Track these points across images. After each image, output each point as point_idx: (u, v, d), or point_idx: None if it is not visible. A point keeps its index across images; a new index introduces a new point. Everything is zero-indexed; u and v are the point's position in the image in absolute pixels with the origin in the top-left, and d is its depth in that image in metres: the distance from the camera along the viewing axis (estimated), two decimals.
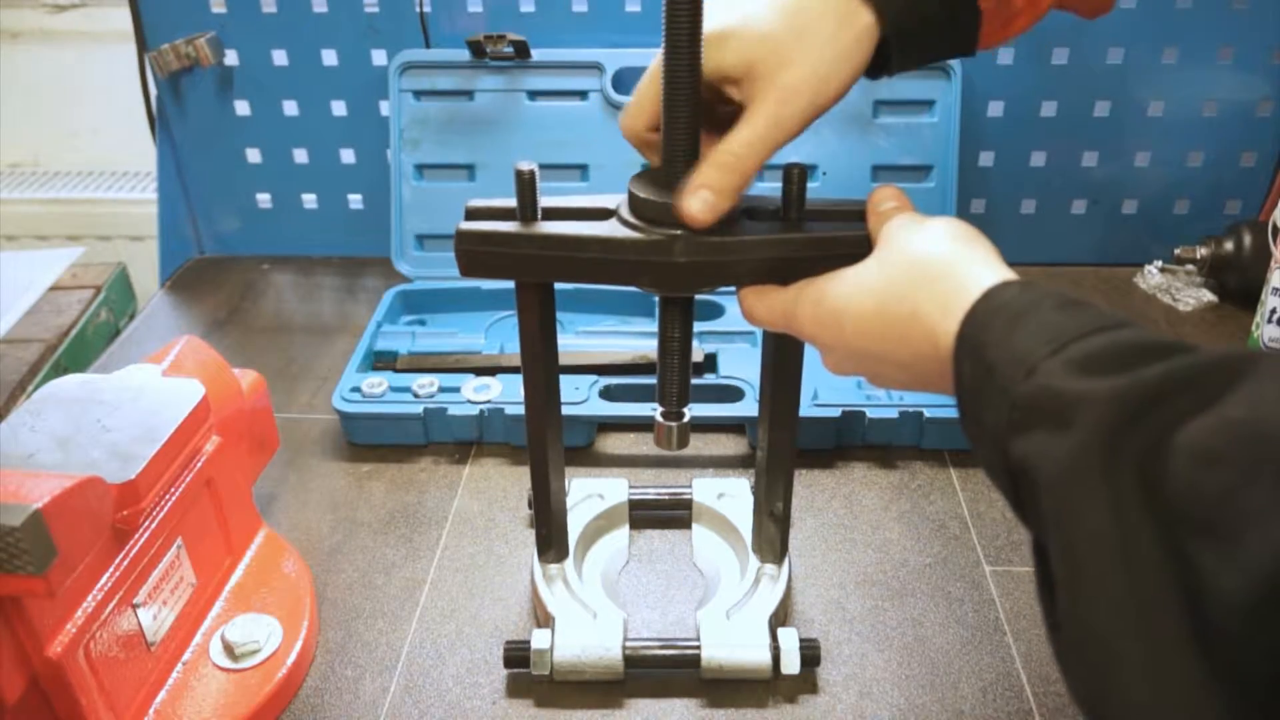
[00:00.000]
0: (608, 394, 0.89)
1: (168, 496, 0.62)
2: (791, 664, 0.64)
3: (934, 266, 0.45)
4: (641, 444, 0.88)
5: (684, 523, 0.79)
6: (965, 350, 0.42)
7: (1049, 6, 0.53)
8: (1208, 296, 1.07)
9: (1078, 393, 0.35)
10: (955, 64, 1.03)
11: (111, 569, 0.57)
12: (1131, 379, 0.34)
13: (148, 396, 0.64)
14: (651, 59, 1.10)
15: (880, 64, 0.53)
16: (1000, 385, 0.39)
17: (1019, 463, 0.38)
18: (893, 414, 0.85)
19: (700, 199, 0.50)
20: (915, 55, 0.53)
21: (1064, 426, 0.35)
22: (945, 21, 0.52)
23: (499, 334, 1.00)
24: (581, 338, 0.99)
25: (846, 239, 0.52)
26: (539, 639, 0.65)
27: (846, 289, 0.49)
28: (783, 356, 0.61)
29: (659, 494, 0.78)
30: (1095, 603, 0.33)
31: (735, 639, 0.65)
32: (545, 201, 0.54)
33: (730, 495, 0.78)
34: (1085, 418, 0.34)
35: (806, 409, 0.81)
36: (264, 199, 1.19)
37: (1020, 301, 0.41)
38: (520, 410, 0.84)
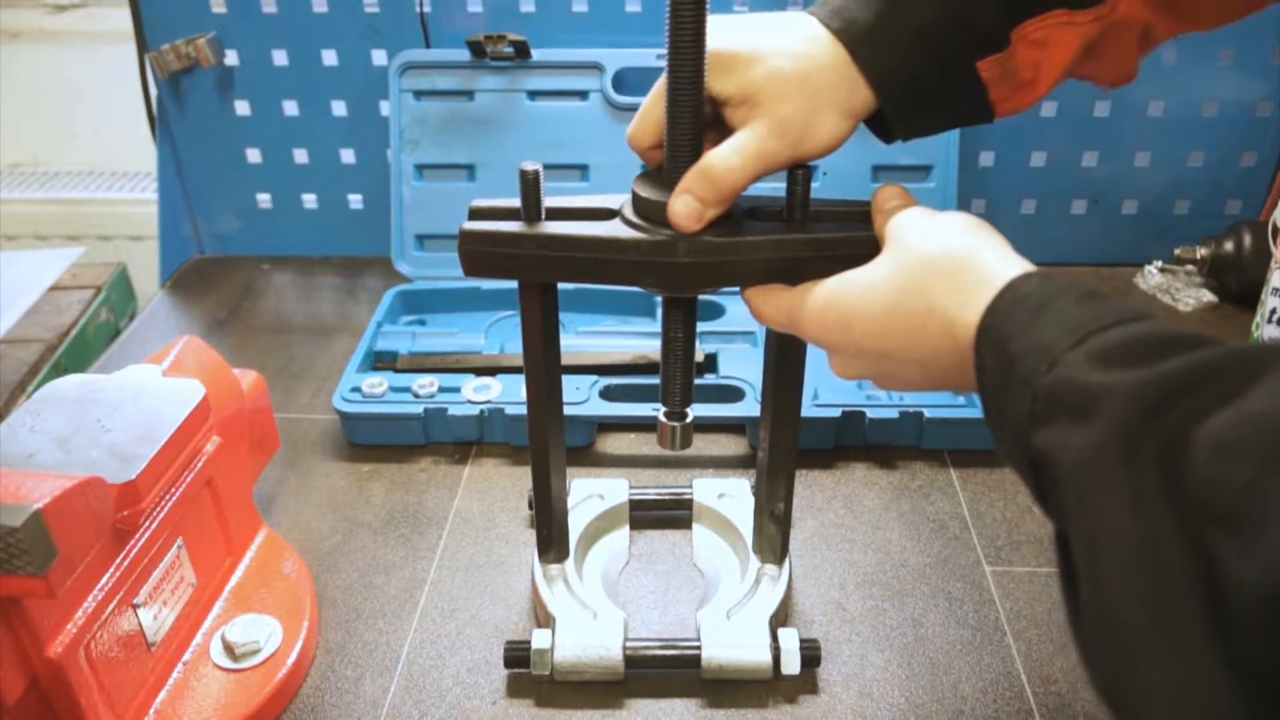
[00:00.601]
0: (608, 394, 0.89)
1: (168, 497, 0.62)
2: (792, 664, 0.64)
3: (949, 260, 0.45)
4: (642, 444, 0.88)
5: (684, 523, 0.79)
6: (987, 342, 0.42)
7: (1059, 74, 0.52)
8: (1208, 297, 1.07)
9: (1099, 385, 0.35)
10: None
11: (112, 569, 0.57)
12: (1152, 372, 0.34)
13: (148, 396, 0.64)
14: (652, 59, 1.10)
15: (887, 129, 0.54)
16: (1022, 377, 0.39)
17: (1041, 454, 0.38)
18: (893, 414, 0.85)
19: (684, 202, 0.51)
20: (921, 123, 0.54)
21: (1085, 419, 0.35)
22: (946, 93, 0.52)
23: (499, 334, 1.00)
24: (582, 338, 0.99)
25: (851, 240, 0.52)
26: (539, 639, 0.65)
27: (855, 290, 0.49)
28: (784, 357, 0.61)
29: (659, 494, 0.78)
30: (1116, 594, 0.33)
31: (736, 639, 0.65)
32: (548, 201, 0.54)
33: (730, 495, 0.78)
34: (1106, 410, 0.34)
35: (807, 409, 0.81)
36: (264, 199, 1.19)
37: (1041, 293, 0.41)
38: (520, 410, 0.84)
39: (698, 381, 0.88)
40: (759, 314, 0.54)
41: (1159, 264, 1.11)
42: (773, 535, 0.69)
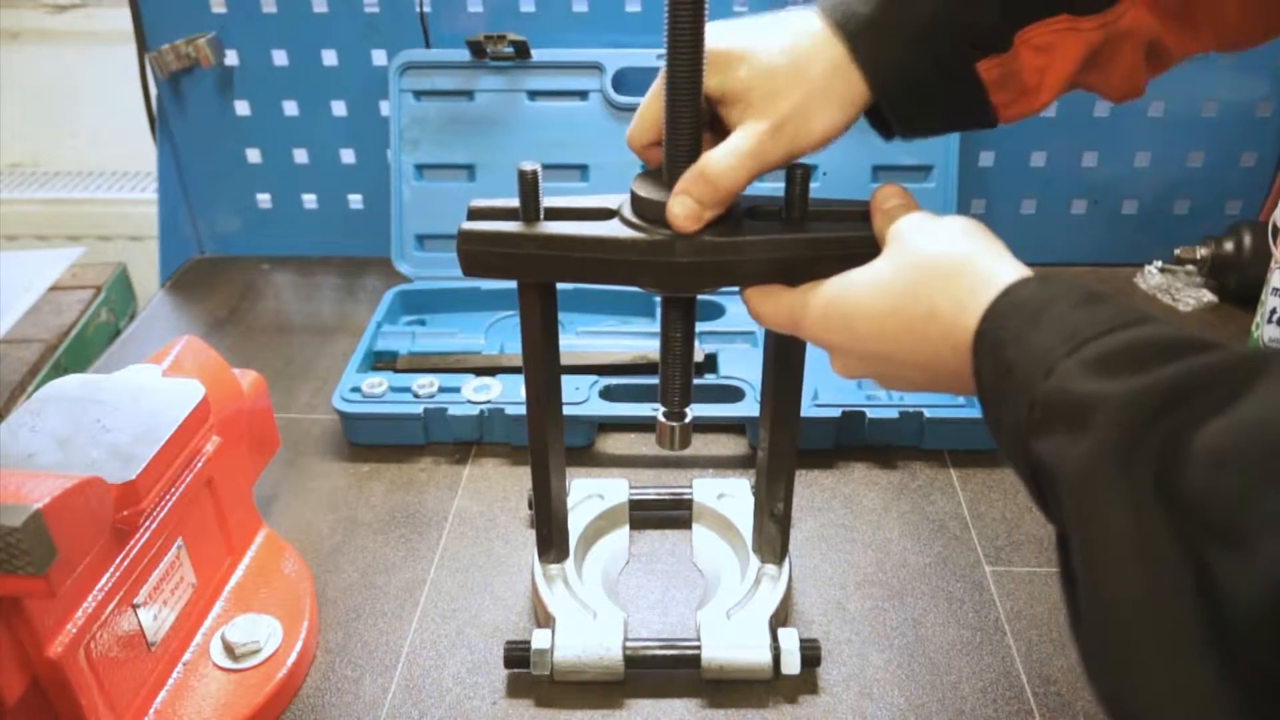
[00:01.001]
0: (608, 394, 0.89)
1: (168, 497, 0.62)
2: (792, 664, 0.64)
3: (950, 264, 0.45)
4: (641, 444, 0.88)
5: (684, 523, 0.79)
6: (984, 348, 0.42)
7: (1062, 82, 0.51)
8: (1208, 297, 1.07)
9: (1094, 395, 0.35)
10: None
11: (112, 569, 0.57)
12: (1147, 380, 0.34)
13: (148, 397, 0.64)
14: (652, 59, 1.09)
15: (886, 125, 0.54)
16: (1019, 384, 0.39)
17: (1039, 462, 0.38)
18: (893, 414, 0.85)
19: (681, 203, 0.51)
20: (919, 122, 0.53)
21: (1081, 429, 0.35)
22: (944, 91, 0.52)
23: (499, 334, 1.00)
24: (582, 338, 0.99)
25: (849, 239, 0.52)
26: (539, 639, 0.65)
27: (857, 290, 0.49)
28: (784, 356, 0.61)
29: (659, 494, 0.78)
30: (1114, 602, 0.33)
31: (736, 639, 0.65)
32: (547, 201, 0.54)
33: (730, 495, 0.78)
34: (1101, 421, 0.34)
35: (807, 409, 0.81)
36: (264, 199, 1.19)
37: (1039, 298, 0.41)
38: (520, 410, 0.84)
39: (698, 381, 0.88)
40: (758, 315, 0.54)
41: (1159, 264, 1.11)
42: (773, 535, 0.69)
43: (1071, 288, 0.41)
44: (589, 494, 0.78)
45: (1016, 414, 0.39)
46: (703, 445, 0.88)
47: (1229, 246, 1.05)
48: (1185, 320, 1.05)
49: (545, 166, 0.53)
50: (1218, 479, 0.30)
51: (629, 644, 0.65)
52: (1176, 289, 1.08)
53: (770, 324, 0.54)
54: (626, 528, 0.78)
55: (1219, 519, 0.30)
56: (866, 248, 0.51)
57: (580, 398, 0.87)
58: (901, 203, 0.52)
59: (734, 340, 0.97)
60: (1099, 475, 0.34)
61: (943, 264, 0.46)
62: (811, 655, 0.65)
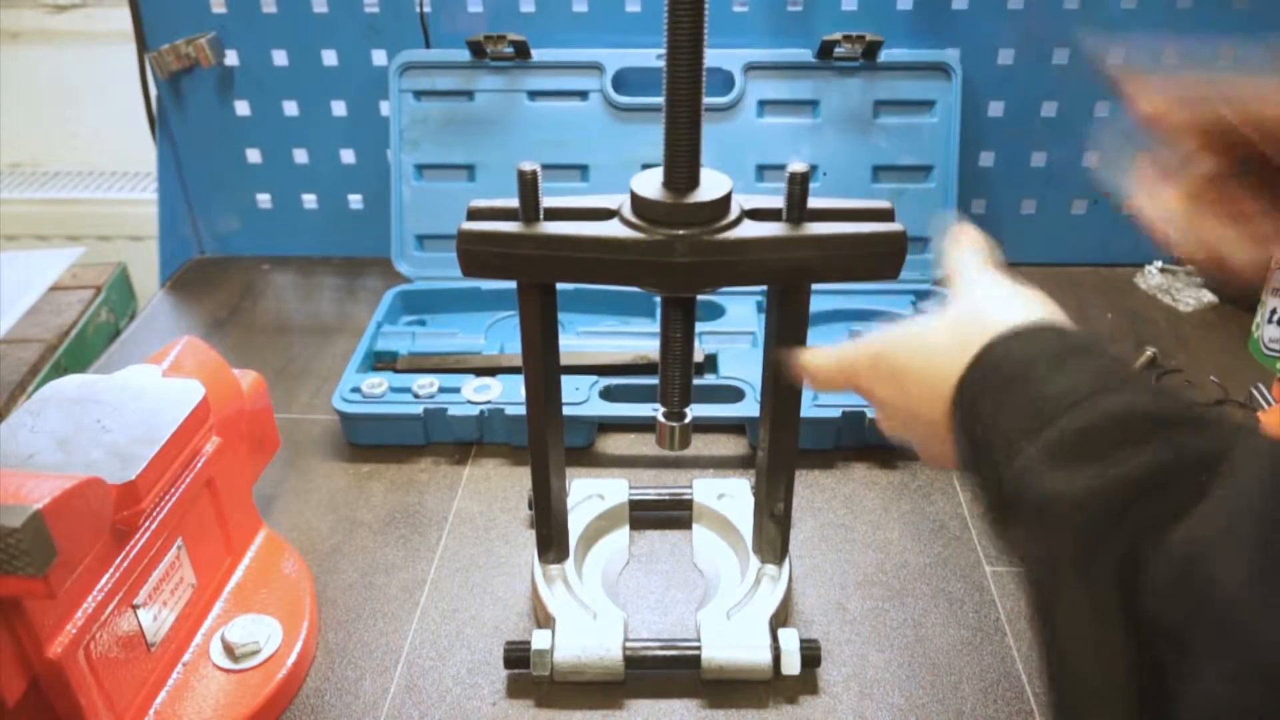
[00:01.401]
0: (608, 394, 0.89)
1: (168, 497, 0.62)
2: (792, 665, 0.64)
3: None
4: (641, 444, 0.88)
5: (684, 523, 0.79)
6: (959, 420, 0.41)
7: None
8: (1208, 297, 1.07)
9: (1051, 493, 0.34)
10: (955, 64, 1.02)
11: (111, 570, 0.57)
12: (1104, 478, 0.33)
13: (147, 397, 0.64)
14: (652, 59, 1.09)
15: None
16: (991, 463, 0.38)
17: (1010, 547, 0.38)
18: None
19: None
20: None
21: (1039, 528, 0.35)
22: None
23: (499, 334, 1.00)
24: (582, 338, 0.99)
25: (847, 238, 0.52)
26: (539, 639, 0.65)
27: (910, 347, 0.46)
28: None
29: (659, 494, 0.78)
30: (1074, 692, 0.33)
31: (736, 640, 0.65)
32: (547, 202, 0.54)
33: (730, 495, 0.78)
34: (1057, 523, 0.34)
35: (807, 409, 0.81)
36: (264, 199, 1.19)
37: (1012, 361, 0.39)
38: (520, 410, 0.84)
39: (698, 381, 0.88)
40: (809, 369, 0.53)
41: (1159, 264, 1.11)
42: (773, 535, 0.69)
43: (1050, 345, 0.39)
44: (589, 494, 0.78)
45: (989, 496, 0.38)
46: (703, 445, 0.88)
47: None
48: (1185, 320, 1.05)
49: (545, 166, 0.53)
50: (1173, 589, 0.30)
51: (629, 644, 0.65)
52: (1176, 289, 1.08)
53: (823, 376, 0.53)
54: (626, 528, 0.78)
55: (1174, 629, 0.30)
56: (865, 246, 0.51)
57: (580, 398, 0.87)
58: (972, 244, 0.50)
59: (734, 340, 0.97)
60: (1057, 576, 0.34)
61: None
62: (811, 655, 0.65)
